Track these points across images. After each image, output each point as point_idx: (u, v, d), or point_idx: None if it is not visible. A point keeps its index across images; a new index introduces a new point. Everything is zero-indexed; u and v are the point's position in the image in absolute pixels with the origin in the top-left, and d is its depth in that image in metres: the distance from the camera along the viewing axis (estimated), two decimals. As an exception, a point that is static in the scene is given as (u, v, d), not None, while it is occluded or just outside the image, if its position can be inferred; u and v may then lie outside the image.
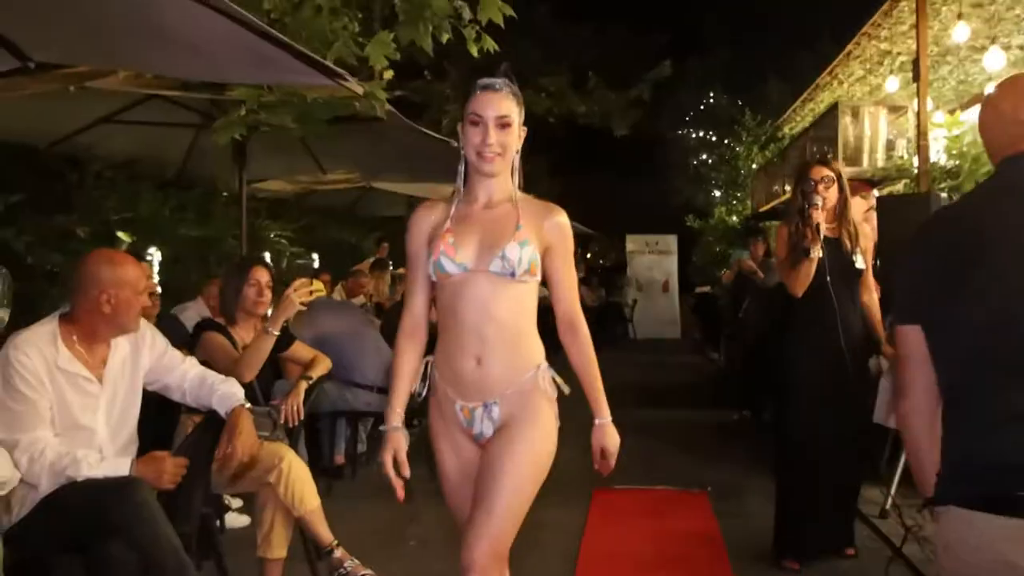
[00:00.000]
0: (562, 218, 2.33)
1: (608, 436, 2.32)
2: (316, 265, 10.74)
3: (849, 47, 7.54)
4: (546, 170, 23.94)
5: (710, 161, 16.74)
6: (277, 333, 3.53)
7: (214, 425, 2.87)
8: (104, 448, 2.60)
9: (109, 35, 3.32)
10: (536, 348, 2.30)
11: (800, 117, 10.94)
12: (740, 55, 17.79)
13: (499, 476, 2.19)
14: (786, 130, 12.12)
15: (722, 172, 15.19)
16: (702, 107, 18.72)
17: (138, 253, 6.84)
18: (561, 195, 23.54)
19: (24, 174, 6.29)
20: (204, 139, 6.16)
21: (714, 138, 17.14)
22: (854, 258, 3.84)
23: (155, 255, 7.20)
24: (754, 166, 13.41)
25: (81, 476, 2.42)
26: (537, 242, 2.24)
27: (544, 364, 2.30)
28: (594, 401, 2.32)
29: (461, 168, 2.30)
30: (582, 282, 17.08)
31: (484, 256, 2.20)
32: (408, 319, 2.35)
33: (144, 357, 2.77)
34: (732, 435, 6.98)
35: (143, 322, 2.79)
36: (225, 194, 8.55)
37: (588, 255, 25.02)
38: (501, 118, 2.20)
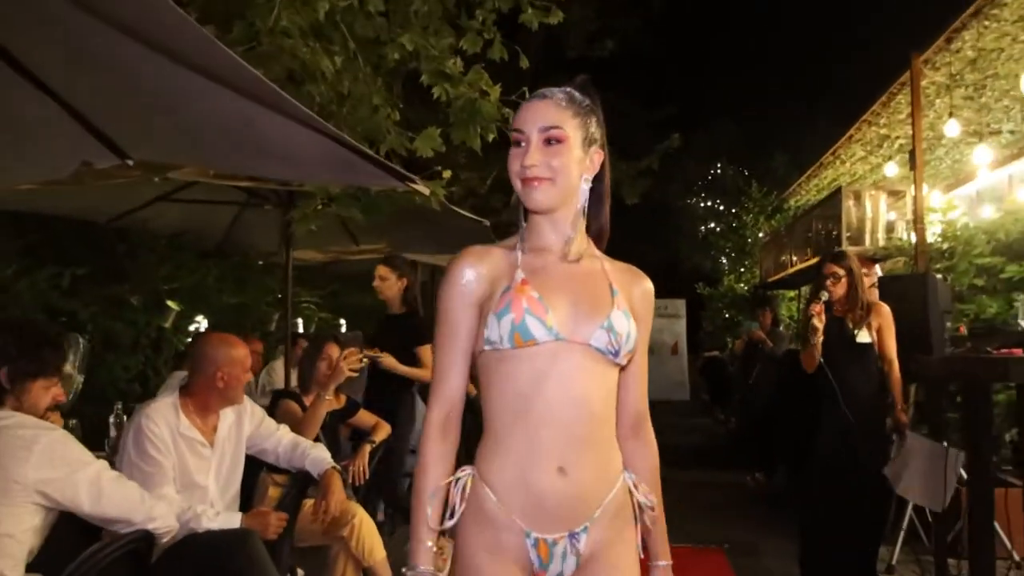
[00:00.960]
0: (651, 287, 1.82)
1: None
2: (343, 329, 11.19)
3: (851, 131, 8.10)
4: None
5: (718, 229, 17.30)
6: (329, 397, 3.97)
7: (302, 484, 3.30)
8: (215, 503, 3.01)
9: (206, 140, 3.81)
10: (619, 455, 1.76)
11: (805, 191, 11.50)
12: (746, 129, 18.52)
13: None
14: (791, 202, 12.67)
15: (730, 240, 15.73)
16: (710, 177, 19.44)
17: (186, 320, 7.36)
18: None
19: (84, 248, 6.81)
20: (247, 214, 6.70)
21: (722, 207, 17.76)
22: (856, 334, 4.30)
23: (202, 322, 7.66)
24: (761, 235, 13.94)
25: (202, 528, 2.83)
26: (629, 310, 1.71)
27: (627, 471, 1.76)
28: (657, 534, 1.79)
29: (521, 211, 1.75)
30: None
31: (583, 324, 1.65)
32: (439, 410, 1.69)
33: (246, 425, 3.21)
34: (746, 496, 7.33)
35: (244, 395, 3.24)
36: (260, 263, 9.05)
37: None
38: (547, 129, 1.65)
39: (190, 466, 2.97)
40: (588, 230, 1.76)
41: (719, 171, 19.25)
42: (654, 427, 1.86)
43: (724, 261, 16.14)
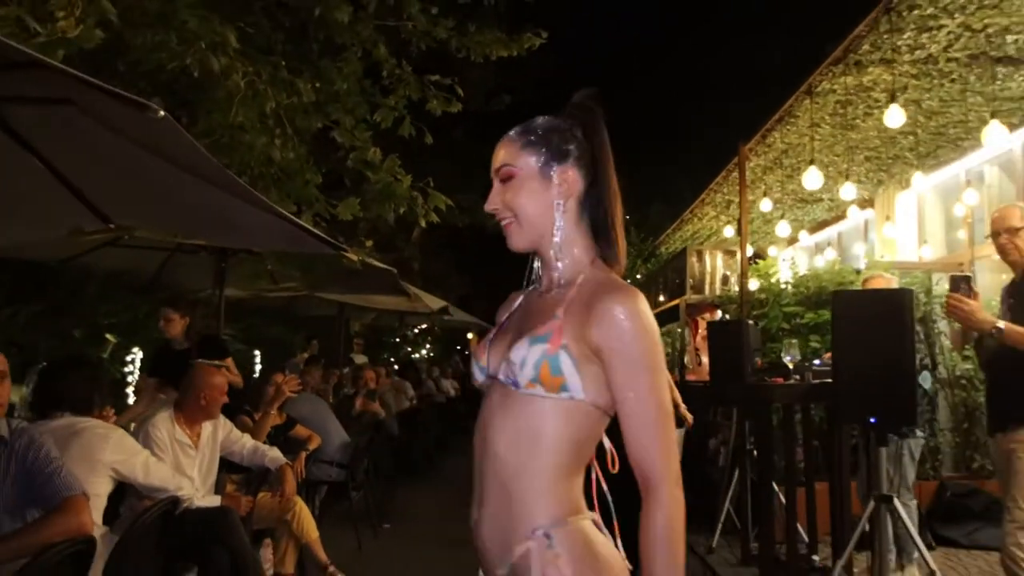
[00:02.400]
0: (621, 303, 1.48)
1: None
2: (258, 360, 12.12)
3: (703, 195, 9.67)
4: (454, 267, 25.82)
5: (601, 270, 18.78)
6: (273, 413, 5.11)
7: (257, 481, 4.42)
8: (199, 490, 4.10)
9: (180, 212, 4.87)
10: (548, 506, 1.48)
11: (672, 241, 13.10)
12: (630, 179, 20.20)
13: None
14: (663, 249, 14.28)
15: (612, 281, 17.22)
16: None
17: (122, 352, 8.26)
18: (468, 293, 25.25)
19: (36, 287, 7.69)
20: (178, 256, 7.56)
21: (606, 250, 19.28)
22: None
23: (138, 354, 8.57)
24: (638, 276, 15.49)
25: (194, 505, 3.92)
26: (575, 339, 1.49)
27: (557, 535, 1.46)
28: None
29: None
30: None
31: (500, 357, 1.58)
32: None
33: (219, 433, 4.32)
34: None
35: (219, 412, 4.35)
36: (185, 298, 9.95)
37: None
38: (498, 171, 1.63)
39: (182, 462, 4.06)
40: (600, 250, 1.64)
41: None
42: None
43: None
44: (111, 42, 4.08)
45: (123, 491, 3.93)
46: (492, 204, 1.63)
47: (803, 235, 9.63)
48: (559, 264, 1.62)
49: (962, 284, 3.56)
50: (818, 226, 10.87)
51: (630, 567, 1.52)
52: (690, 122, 17.25)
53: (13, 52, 2.80)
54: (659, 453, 1.45)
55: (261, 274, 6.04)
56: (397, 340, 16.70)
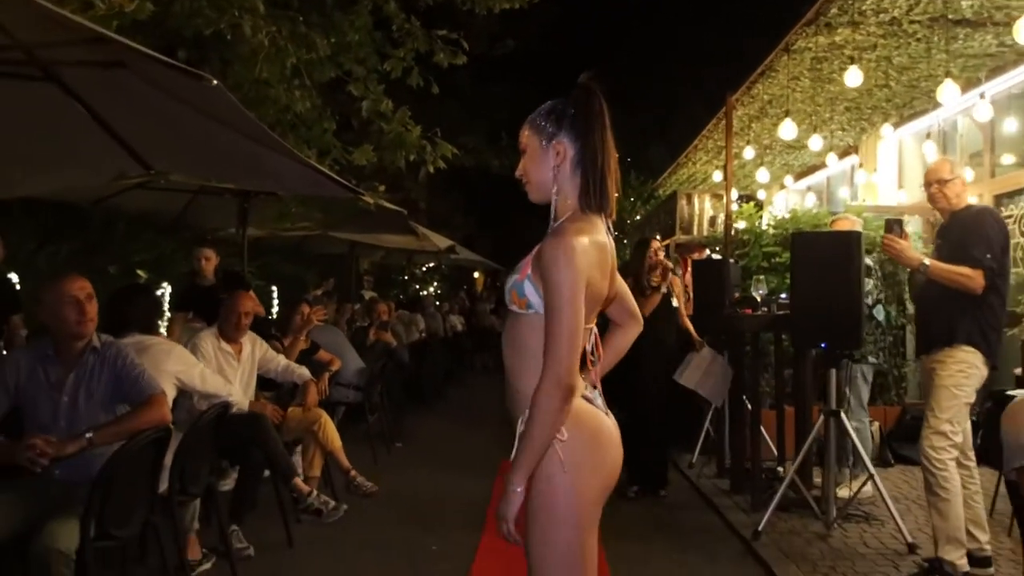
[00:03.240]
0: (549, 245, 1.97)
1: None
2: (275, 294, 12.75)
3: (695, 142, 10.19)
4: (461, 209, 26.35)
5: (603, 211, 19.31)
6: (301, 338, 5.76)
7: (286, 397, 5.09)
8: (240, 398, 4.75)
9: (214, 159, 5.42)
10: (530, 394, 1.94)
11: (669, 184, 13.63)
12: (630, 121, 20.65)
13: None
14: (660, 192, 14.80)
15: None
16: (597, 164, 21.48)
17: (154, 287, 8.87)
18: (474, 232, 25.74)
19: (73, 227, 8.29)
20: (200, 198, 8.10)
21: (607, 191, 19.79)
22: (671, 299, 6.27)
23: (167, 288, 9.20)
24: (637, 217, 16.03)
25: (242, 410, 4.56)
26: (535, 269, 2.00)
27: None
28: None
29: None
30: (493, 312, 19.50)
31: None
32: None
33: (257, 352, 4.96)
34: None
35: (254, 334, 4.99)
36: (208, 238, 10.57)
37: (498, 284, 27.57)
38: (521, 147, 2.17)
39: (226, 371, 4.71)
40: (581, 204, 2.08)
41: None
42: None
43: (608, 239, 18.11)
44: (154, 12, 4.61)
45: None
46: (518, 172, 2.18)
47: (788, 180, 10.14)
48: (556, 212, 2.10)
49: (895, 227, 4.16)
50: (808, 171, 11.40)
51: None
52: (687, 69, 17.61)
53: (87, 30, 3.38)
54: (550, 357, 1.90)
55: (286, 214, 6.64)
56: (405, 278, 17.33)
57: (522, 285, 2.02)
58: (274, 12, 6.39)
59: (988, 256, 3.90)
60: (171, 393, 3.85)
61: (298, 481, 5.00)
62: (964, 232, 4.03)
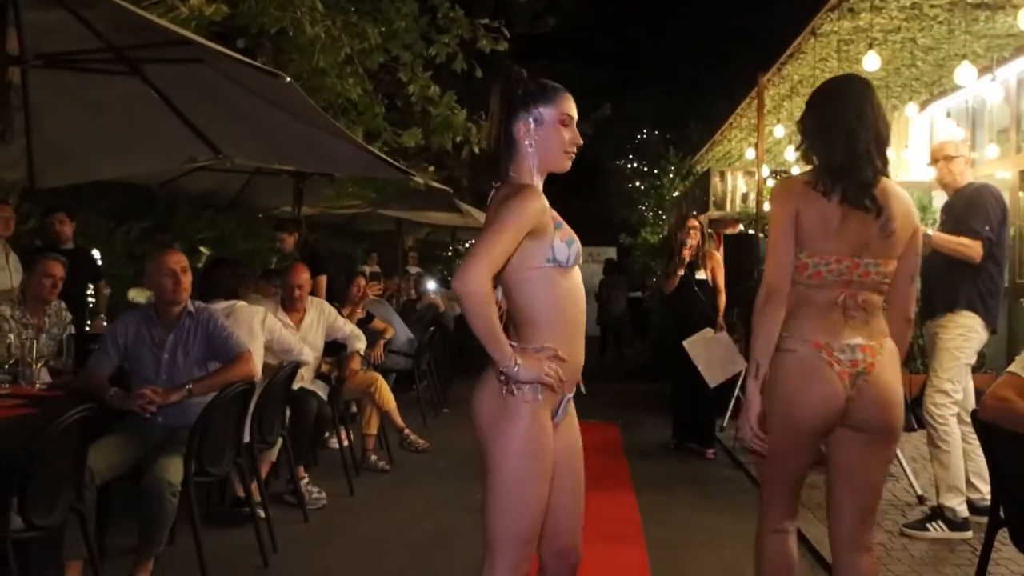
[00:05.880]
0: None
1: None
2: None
3: (730, 119, 10.50)
4: (502, 186, 26.71)
5: (642, 188, 19.71)
6: (358, 310, 6.27)
7: (344, 363, 5.59)
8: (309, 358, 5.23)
9: (276, 143, 5.86)
10: None
11: (706, 161, 13.93)
12: (669, 96, 20.91)
13: (581, 475, 2.41)
14: (698, 168, 15.09)
15: (652, 198, 18.12)
16: (637, 141, 21.88)
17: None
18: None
19: (141, 207, 8.89)
20: (256, 179, 8.52)
21: (646, 168, 20.18)
22: (697, 273, 6.66)
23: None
24: (675, 194, 16.33)
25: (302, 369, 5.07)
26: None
27: None
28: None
29: (533, 164, 2.28)
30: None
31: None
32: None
33: (326, 319, 5.45)
34: (639, 395, 9.79)
35: (323, 303, 5.49)
36: (260, 216, 11.12)
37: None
38: (574, 118, 2.29)
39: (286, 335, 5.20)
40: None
41: (644, 136, 21.69)
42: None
43: (648, 215, 18.54)
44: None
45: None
46: (579, 140, 2.32)
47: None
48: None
49: (901, 202, 4.51)
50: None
51: None
52: (723, 49, 17.81)
53: (173, 34, 3.88)
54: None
55: (343, 193, 7.13)
56: (449, 253, 17.86)
57: None
58: (329, 2, 6.83)
59: (987, 228, 4.25)
60: (260, 349, 4.36)
61: (300, 470, 5.10)
62: (965, 206, 4.38)
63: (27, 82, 4.87)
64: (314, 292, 6.56)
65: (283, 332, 4.67)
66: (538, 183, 2.28)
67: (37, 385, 3.78)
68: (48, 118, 5.31)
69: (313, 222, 12.96)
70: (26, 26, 4.23)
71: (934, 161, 4.60)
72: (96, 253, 7.12)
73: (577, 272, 2.29)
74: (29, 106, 5.14)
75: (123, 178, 7.86)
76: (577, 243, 2.24)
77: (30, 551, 3.03)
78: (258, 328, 4.41)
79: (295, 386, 4.85)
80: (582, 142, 2.29)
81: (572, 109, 2.28)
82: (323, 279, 6.43)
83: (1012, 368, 2.79)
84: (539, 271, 2.21)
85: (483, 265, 2.05)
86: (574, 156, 2.30)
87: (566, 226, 2.24)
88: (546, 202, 2.20)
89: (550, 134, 2.25)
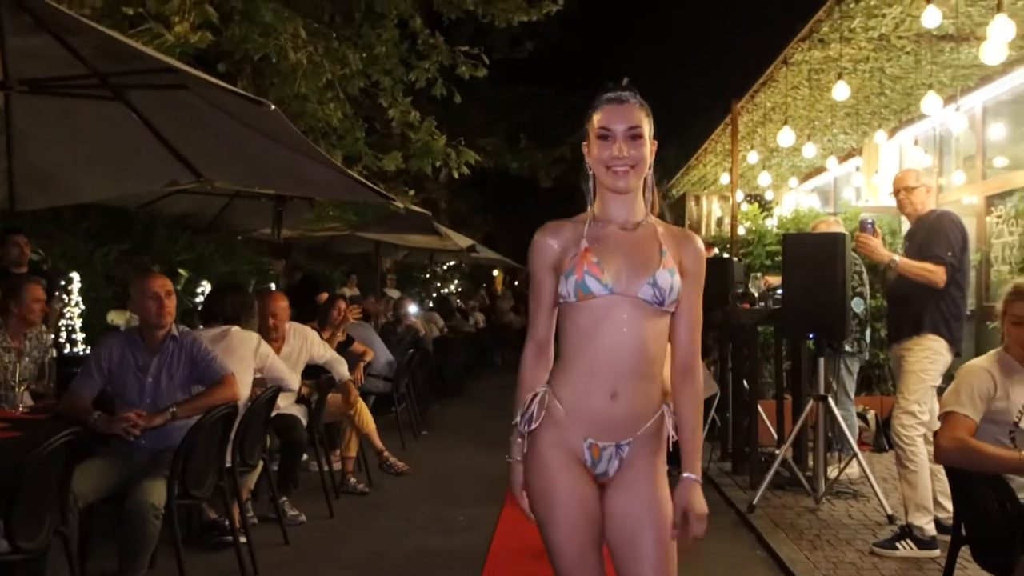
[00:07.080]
0: (701, 246, 2.17)
1: (695, 495, 2.11)
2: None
3: (705, 144, 10.69)
4: (479, 207, 26.87)
5: (619, 211, 19.78)
6: (338, 333, 6.32)
7: (325, 387, 5.63)
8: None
9: (257, 168, 5.91)
10: (663, 385, 2.16)
11: (682, 184, 14.12)
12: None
13: (648, 536, 2.12)
14: (673, 192, 15.28)
15: (628, 221, 18.24)
16: (614, 164, 21.99)
17: (192, 285, 9.47)
18: (491, 232, 26.28)
19: (121, 229, 8.90)
20: (235, 202, 8.52)
21: (623, 190, 20.27)
22: None
23: (206, 286, 9.77)
24: (650, 217, 16.47)
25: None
26: (678, 271, 2.08)
27: (667, 403, 2.17)
28: (688, 453, 2.14)
29: (590, 185, 2.15)
30: (512, 310, 20.06)
31: (633, 280, 2.05)
32: (531, 346, 2.20)
33: (306, 347, 5.48)
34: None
35: (306, 330, 5.54)
36: (240, 238, 11.13)
37: (516, 283, 28.11)
38: (632, 129, 2.04)
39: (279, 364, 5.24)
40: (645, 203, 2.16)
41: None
42: None
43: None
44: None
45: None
46: (625, 153, 2.04)
47: (793, 181, 10.64)
48: (637, 204, 2.12)
49: (868, 226, 4.66)
50: (815, 172, 11.86)
51: None
52: (700, 75, 18.12)
53: (158, 62, 3.95)
54: (699, 346, 2.17)
55: (323, 216, 7.23)
56: (427, 276, 17.93)
57: (681, 287, 2.10)
58: (311, 28, 6.93)
59: (949, 254, 4.40)
60: (248, 374, 4.41)
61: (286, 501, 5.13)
62: (927, 234, 4.52)
63: (10, 106, 4.93)
64: (317, 310, 6.65)
65: (275, 360, 4.72)
66: (607, 208, 2.14)
67: (20, 408, 3.80)
68: (30, 141, 5.35)
69: (291, 244, 13.03)
70: (10, 51, 4.28)
71: (895, 192, 4.76)
72: (75, 276, 7.13)
73: (604, 309, 2.06)
74: (12, 128, 5.19)
75: (102, 200, 7.89)
76: (577, 276, 2.05)
77: (15, 574, 3.06)
78: (249, 354, 4.46)
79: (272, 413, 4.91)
80: (624, 154, 2.04)
81: (611, 119, 2.06)
82: (324, 296, 6.55)
83: (951, 407, 2.91)
84: (562, 306, 2.14)
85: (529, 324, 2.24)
86: (622, 172, 2.06)
87: (588, 257, 2.06)
88: (561, 237, 2.13)
89: (592, 149, 2.11)
